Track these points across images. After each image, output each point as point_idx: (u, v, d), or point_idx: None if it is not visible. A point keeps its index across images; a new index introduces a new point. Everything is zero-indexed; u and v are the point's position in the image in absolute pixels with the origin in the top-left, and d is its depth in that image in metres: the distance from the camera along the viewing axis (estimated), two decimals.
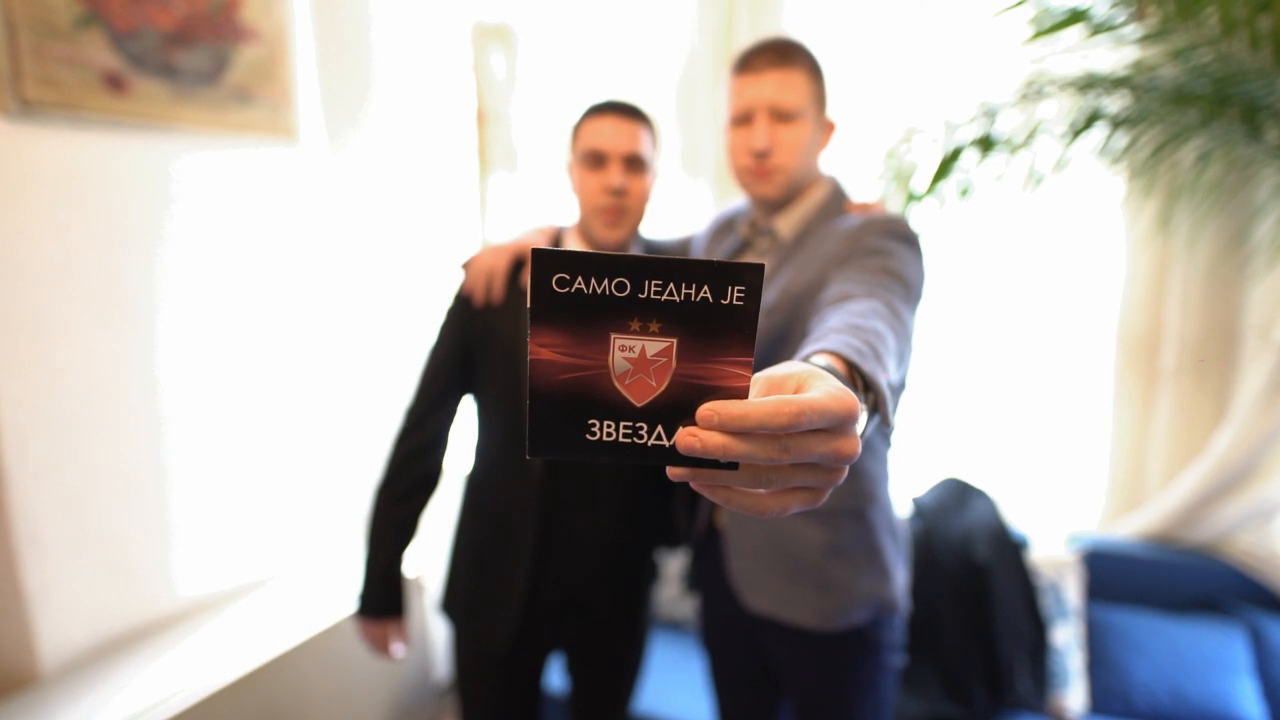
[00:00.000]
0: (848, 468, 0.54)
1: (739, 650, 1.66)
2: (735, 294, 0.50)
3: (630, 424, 0.53)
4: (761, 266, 0.50)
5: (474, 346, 1.63)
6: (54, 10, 1.75)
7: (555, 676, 2.46)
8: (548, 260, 0.49)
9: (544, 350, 0.51)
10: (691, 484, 0.54)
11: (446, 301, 1.67)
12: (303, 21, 2.39)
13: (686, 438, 0.51)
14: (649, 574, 1.77)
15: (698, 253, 1.70)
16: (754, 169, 1.44)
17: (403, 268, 2.75)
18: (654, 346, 0.51)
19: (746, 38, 2.57)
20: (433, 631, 2.76)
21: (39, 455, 1.83)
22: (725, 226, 1.66)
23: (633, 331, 0.51)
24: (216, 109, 2.13)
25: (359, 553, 1.78)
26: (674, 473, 0.54)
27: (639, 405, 0.53)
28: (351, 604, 1.72)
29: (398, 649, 1.73)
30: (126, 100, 1.92)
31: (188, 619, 2.17)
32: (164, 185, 2.05)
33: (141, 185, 2.00)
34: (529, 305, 0.50)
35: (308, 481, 2.53)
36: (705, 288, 0.50)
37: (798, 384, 0.56)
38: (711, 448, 0.50)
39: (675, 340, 0.51)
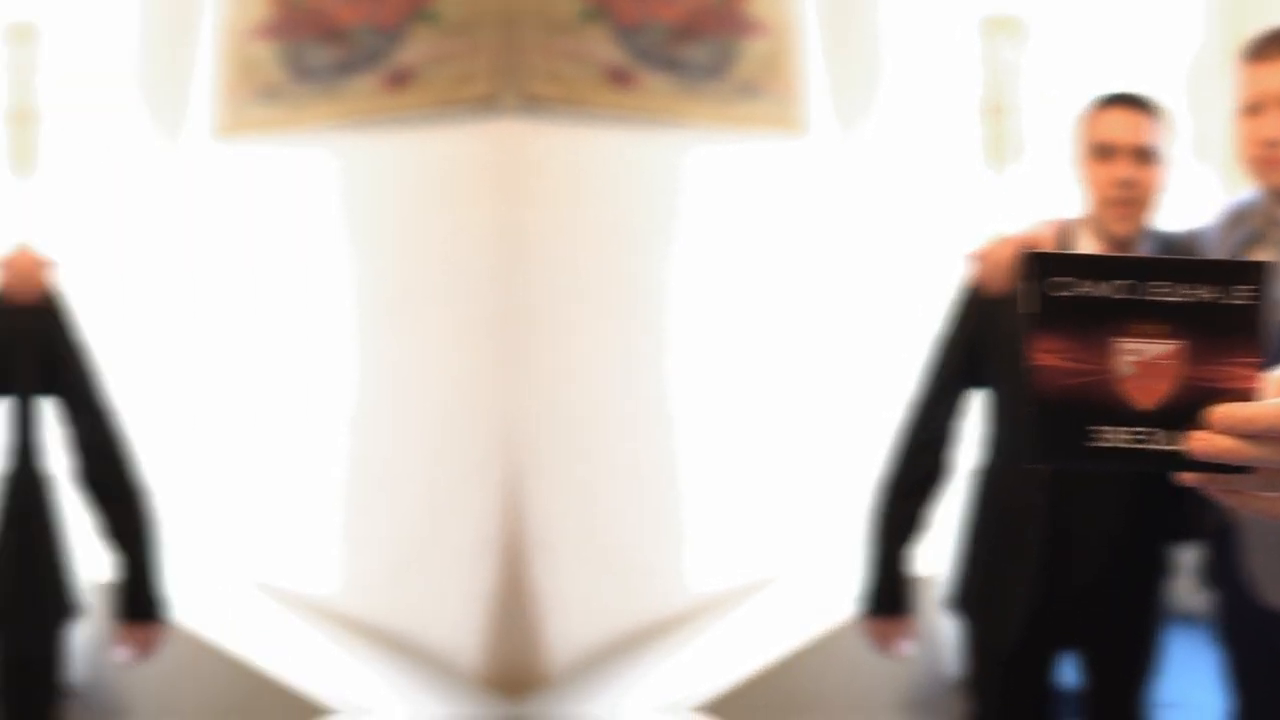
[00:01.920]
0: None
1: (1260, 646, 1.63)
2: (1240, 293, 0.46)
3: (1134, 430, 0.49)
4: (1266, 264, 0.47)
5: (981, 339, 1.69)
6: (558, 4, 1.85)
7: (1067, 673, 2.26)
8: (1047, 263, 0.48)
9: (1046, 356, 0.49)
10: (1202, 489, 0.51)
11: (954, 293, 1.72)
12: (810, 12, 2.37)
13: (1198, 442, 0.46)
14: (1160, 567, 1.76)
15: (1209, 245, 1.71)
16: (1266, 159, 1.47)
17: (912, 259, 2.61)
18: (1157, 349, 0.47)
19: (1258, 23, 2.21)
20: (942, 628, 2.55)
21: (549, 455, 1.91)
22: (1237, 218, 1.66)
23: (1135, 334, 0.48)
24: (722, 103, 2.15)
25: (863, 549, 1.84)
26: (1183, 478, 0.49)
27: (1143, 410, 0.48)
28: (857, 602, 1.78)
29: (904, 647, 1.79)
30: (631, 95, 1.99)
31: (695, 618, 2.17)
32: (671, 181, 2.11)
33: (648, 181, 2.06)
34: (1027, 310, 0.49)
35: (808, 478, 2.43)
36: (1208, 287, 0.47)
37: None
38: (1221, 452, 0.45)
39: (1179, 342, 0.47)
